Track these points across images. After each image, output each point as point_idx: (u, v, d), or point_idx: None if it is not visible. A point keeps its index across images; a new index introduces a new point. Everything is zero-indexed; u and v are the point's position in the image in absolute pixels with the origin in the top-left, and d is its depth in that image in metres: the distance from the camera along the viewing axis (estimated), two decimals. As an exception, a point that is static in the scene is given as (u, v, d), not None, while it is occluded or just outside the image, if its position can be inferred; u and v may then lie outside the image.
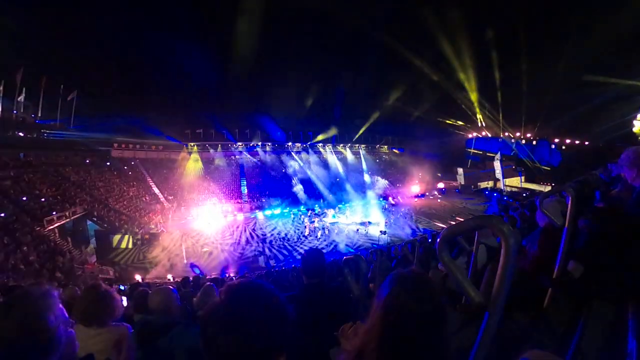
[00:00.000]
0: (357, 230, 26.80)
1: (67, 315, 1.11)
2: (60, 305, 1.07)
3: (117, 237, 23.61)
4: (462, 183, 48.58)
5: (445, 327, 0.94)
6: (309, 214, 32.73)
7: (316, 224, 28.43)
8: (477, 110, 52.52)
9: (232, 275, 16.94)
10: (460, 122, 55.68)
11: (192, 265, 19.96)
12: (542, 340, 1.91)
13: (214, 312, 0.70)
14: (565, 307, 2.24)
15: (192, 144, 44.03)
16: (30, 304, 0.97)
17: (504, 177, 45.74)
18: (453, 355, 0.95)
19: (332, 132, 51.31)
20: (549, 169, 44.96)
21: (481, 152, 52.89)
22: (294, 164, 47.85)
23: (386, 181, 47.26)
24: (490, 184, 46.73)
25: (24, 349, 0.92)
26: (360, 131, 54.02)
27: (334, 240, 24.35)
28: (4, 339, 0.91)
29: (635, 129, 27.30)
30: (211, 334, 0.67)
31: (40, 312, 0.96)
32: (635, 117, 28.49)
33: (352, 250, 21.33)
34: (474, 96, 51.73)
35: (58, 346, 0.98)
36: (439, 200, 41.00)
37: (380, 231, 24.25)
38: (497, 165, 46.94)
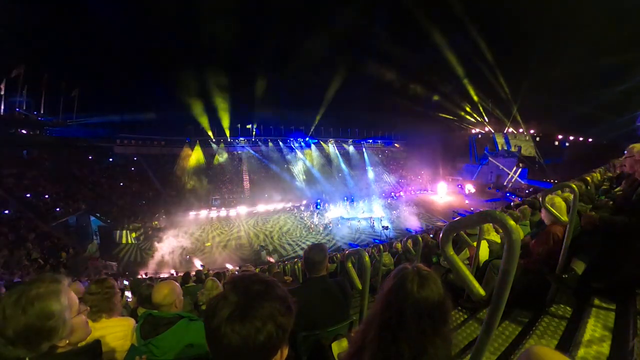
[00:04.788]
0: (360, 225, 26.82)
1: (76, 302, 1.18)
2: (70, 293, 1.14)
3: (120, 233, 23.82)
4: (464, 178, 48.53)
5: (446, 322, 0.95)
6: (310, 209, 32.86)
7: (316, 219, 28.51)
8: (480, 106, 52.15)
9: (234, 269, 17.05)
10: (464, 118, 55.25)
11: (195, 260, 20.08)
12: (544, 336, 1.92)
13: (218, 304, 0.71)
14: (567, 303, 2.25)
15: (194, 139, 44.03)
16: (39, 291, 1.04)
17: (508, 174, 45.60)
18: (451, 349, 0.95)
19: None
20: (552, 165, 44.68)
21: (486, 147, 52.45)
22: (296, 159, 47.89)
23: (390, 176, 47.29)
24: (496, 179, 46.54)
25: (31, 333, 1.00)
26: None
27: (336, 235, 24.42)
28: (14, 323, 0.99)
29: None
30: (216, 326, 0.68)
31: (47, 299, 1.04)
32: (639, 115, 28.29)
33: (354, 245, 21.38)
34: (478, 92, 51.36)
35: (64, 331, 1.06)
36: (441, 197, 41.01)
37: (383, 226, 24.28)
38: (501, 162, 46.75)
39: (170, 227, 28.06)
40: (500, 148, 49.63)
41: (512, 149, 47.91)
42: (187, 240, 24.65)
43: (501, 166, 46.60)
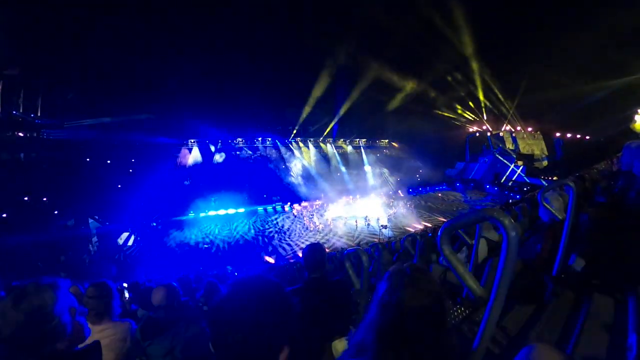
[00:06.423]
0: (359, 224, 26.82)
1: (76, 304, 1.18)
2: (70, 296, 1.15)
3: (119, 235, 23.78)
4: (463, 177, 48.72)
5: (445, 321, 0.94)
6: (311, 209, 32.87)
7: (316, 219, 28.50)
8: (481, 104, 52.21)
9: (234, 270, 17.03)
10: (461, 116, 55.28)
11: (194, 261, 19.99)
12: (543, 333, 1.92)
13: (221, 306, 0.71)
14: (566, 300, 2.25)
15: (192, 140, 43.91)
16: (38, 294, 1.04)
17: (506, 172, 45.77)
18: (454, 349, 0.95)
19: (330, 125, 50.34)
20: (550, 163, 44.85)
21: (483, 145, 52.53)
22: (293, 159, 47.91)
23: (389, 175, 47.37)
24: (494, 177, 46.67)
25: (31, 337, 1.00)
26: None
27: (335, 235, 24.38)
28: (14, 327, 0.98)
29: (635, 125, 27.20)
30: (219, 328, 0.69)
31: (47, 302, 1.04)
32: (636, 112, 28.36)
33: (353, 245, 21.36)
34: (475, 90, 51.41)
35: (64, 334, 1.06)
36: (439, 195, 41.05)
37: (381, 225, 24.22)
38: (500, 159, 46.97)
39: (169, 228, 28.02)
40: (500, 147, 49.78)
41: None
42: (186, 241, 24.61)
43: (505, 161, 46.63)
